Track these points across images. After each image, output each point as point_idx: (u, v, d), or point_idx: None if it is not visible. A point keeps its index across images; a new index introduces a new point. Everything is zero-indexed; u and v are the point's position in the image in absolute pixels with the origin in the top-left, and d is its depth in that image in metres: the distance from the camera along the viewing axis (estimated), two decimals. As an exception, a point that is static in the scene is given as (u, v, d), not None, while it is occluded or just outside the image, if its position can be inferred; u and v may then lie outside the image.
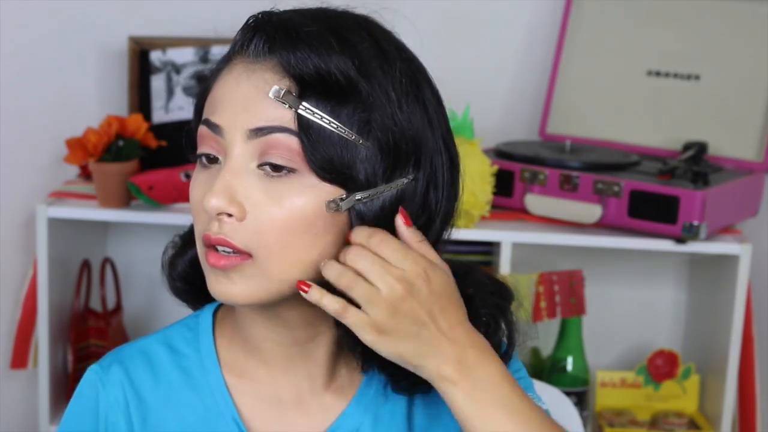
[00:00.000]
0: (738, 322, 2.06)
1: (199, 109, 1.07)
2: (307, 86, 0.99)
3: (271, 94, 0.99)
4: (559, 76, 2.30)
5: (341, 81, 0.99)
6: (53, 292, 2.12)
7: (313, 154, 0.99)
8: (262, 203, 1.00)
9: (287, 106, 0.99)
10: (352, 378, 1.13)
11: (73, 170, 2.27)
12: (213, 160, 1.03)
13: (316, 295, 1.01)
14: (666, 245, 2.03)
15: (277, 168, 1.00)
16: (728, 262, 2.07)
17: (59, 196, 2.15)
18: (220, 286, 1.03)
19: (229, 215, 1.01)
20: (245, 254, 1.01)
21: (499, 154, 2.17)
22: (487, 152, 2.14)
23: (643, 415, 2.23)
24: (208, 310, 1.16)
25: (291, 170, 1.00)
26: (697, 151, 2.12)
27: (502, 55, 2.37)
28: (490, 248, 2.15)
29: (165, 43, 2.23)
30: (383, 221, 1.03)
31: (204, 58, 2.22)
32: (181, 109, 2.22)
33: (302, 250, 1.01)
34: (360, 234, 1.02)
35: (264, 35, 1.02)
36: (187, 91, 2.23)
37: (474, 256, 2.16)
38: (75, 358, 2.18)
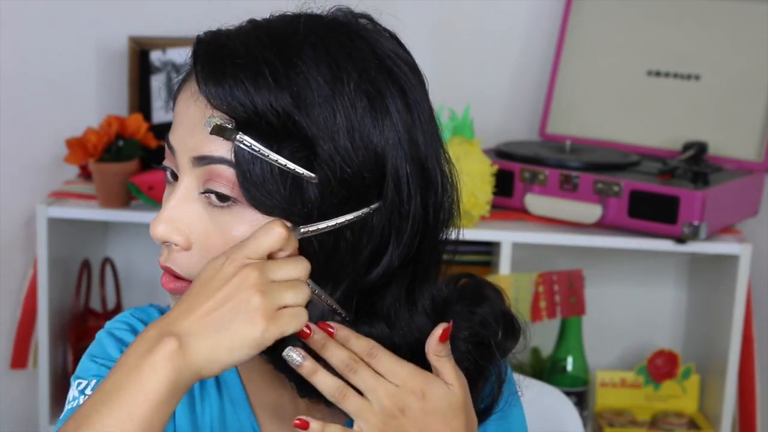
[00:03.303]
0: (738, 322, 2.06)
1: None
2: (240, 122, 0.93)
3: (205, 125, 0.94)
4: (559, 77, 2.30)
5: (272, 119, 0.93)
6: (53, 292, 2.12)
7: (249, 187, 0.94)
8: (205, 233, 0.97)
9: (223, 138, 0.94)
10: None
11: (73, 170, 2.27)
12: (176, 176, 1.00)
13: (309, 368, 0.96)
14: (666, 245, 2.02)
15: (222, 198, 0.96)
16: (728, 262, 2.07)
17: (59, 196, 2.15)
18: None
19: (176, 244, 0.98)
20: (190, 282, 0.97)
21: (499, 154, 2.17)
22: (487, 152, 2.14)
23: (643, 415, 2.23)
24: None
25: (235, 200, 0.95)
26: (697, 151, 2.11)
27: (502, 54, 2.37)
28: (490, 248, 2.15)
29: (165, 43, 2.23)
30: (342, 252, 0.97)
31: (204, 58, 2.22)
32: (181, 109, 2.22)
33: None
34: (356, 345, 0.97)
35: (199, 64, 0.96)
36: (187, 91, 2.23)
37: (474, 256, 2.17)
38: (75, 358, 2.17)
